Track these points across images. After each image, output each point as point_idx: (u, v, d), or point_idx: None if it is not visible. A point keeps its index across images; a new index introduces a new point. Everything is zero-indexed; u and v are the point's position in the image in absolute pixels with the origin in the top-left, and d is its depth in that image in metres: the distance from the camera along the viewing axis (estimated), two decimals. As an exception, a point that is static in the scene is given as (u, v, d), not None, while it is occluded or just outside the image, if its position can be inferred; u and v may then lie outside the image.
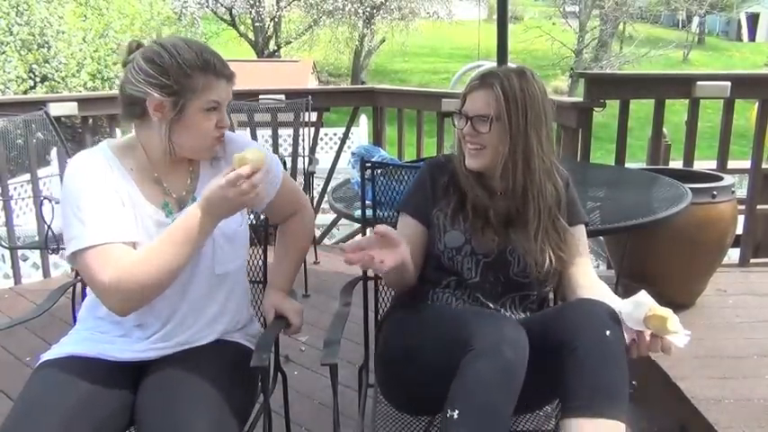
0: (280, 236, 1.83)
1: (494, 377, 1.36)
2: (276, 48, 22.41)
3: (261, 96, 4.33)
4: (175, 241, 1.42)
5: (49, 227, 2.96)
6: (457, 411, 1.35)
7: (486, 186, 1.68)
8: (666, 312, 1.41)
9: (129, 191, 1.51)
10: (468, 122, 1.63)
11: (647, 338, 1.44)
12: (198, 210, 1.42)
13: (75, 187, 1.46)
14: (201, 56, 1.47)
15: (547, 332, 1.46)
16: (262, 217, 1.93)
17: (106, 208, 1.45)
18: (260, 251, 1.97)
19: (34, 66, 11.64)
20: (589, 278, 1.70)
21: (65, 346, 1.56)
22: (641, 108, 4.00)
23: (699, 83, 3.46)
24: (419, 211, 1.73)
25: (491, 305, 1.65)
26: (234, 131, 4.76)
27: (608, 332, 1.41)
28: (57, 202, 2.80)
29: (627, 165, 3.70)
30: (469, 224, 1.66)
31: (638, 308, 1.42)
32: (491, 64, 4.37)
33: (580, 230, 1.74)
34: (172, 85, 1.45)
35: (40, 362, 1.54)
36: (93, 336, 1.56)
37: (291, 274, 1.81)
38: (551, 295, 1.84)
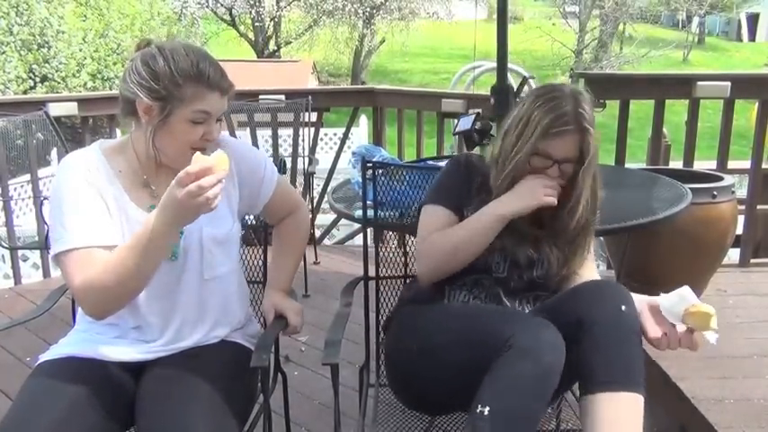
0: (276, 236, 1.83)
1: (531, 379, 1.36)
2: (276, 48, 22.42)
3: (261, 96, 4.32)
4: (137, 247, 1.38)
5: (48, 227, 2.95)
6: (488, 408, 1.34)
7: (537, 212, 1.64)
8: (711, 309, 1.43)
9: (114, 194, 1.50)
10: (555, 165, 1.60)
11: (680, 333, 1.46)
12: (156, 215, 1.36)
13: (59, 190, 1.46)
14: (197, 65, 1.45)
15: (562, 312, 1.47)
16: (261, 217, 1.93)
17: (87, 212, 1.44)
18: (260, 251, 1.97)
19: (34, 66, 11.65)
20: (596, 273, 1.74)
21: (63, 347, 1.56)
22: (641, 108, 4.00)
23: (699, 83, 3.45)
24: (454, 203, 1.71)
25: (508, 302, 1.66)
26: (234, 132, 4.76)
27: (623, 307, 1.43)
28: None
29: (627, 165, 3.70)
30: (517, 227, 1.65)
31: (681, 302, 1.44)
32: (491, 64, 4.37)
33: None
34: (160, 90, 1.43)
35: (38, 363, 1.54)
36: (92, 337, 1.56)
37: (290, 274, 1.81)
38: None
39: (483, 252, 1.63)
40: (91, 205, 1.45)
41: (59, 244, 1.43)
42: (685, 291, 1.46)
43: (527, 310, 1.67)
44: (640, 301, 1.51)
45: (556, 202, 1.58)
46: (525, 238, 1.66)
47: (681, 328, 1.46)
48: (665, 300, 1.46)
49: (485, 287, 1.66)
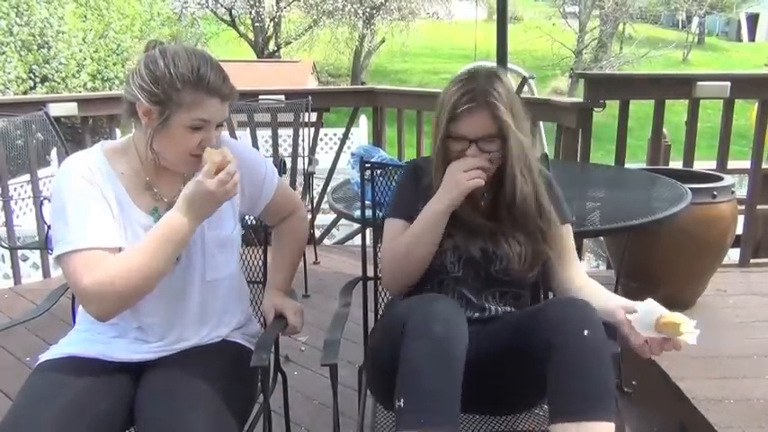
0: (275, 237, 1.83)
1: (426, 356, 1.35)
2: (276, 48, 22.42)
3: (261, 97, 4.33)
4: (154, 247, 1.40)
5: (48, 227, 2.95)
6: (402, 400, 1.35)
7: (473, 197, 1.65)
8: (678, 318, 1.42)
9: (117, 195, 1.49)
10: (472, 145, 1.58)
11: (659, 341, 1.44)
12: (177, 212, 1.39)
13: (62, 191, 1.45)
14: (198, 70, 1.43)
15: (525, 332, 1.46)
16: (261, 219, 1.93)
17: (92, 213, 1.44)
18: (260, 251, 1.97)
19: (34, 66, 11.65)
20: (584, 277, 1.70)
21: (63, 347, 1.56)
22: (641, 108, 4.00)
23: (699, 83, 3.46)
24: (407, 212, 1.71)
25: (474, 300, 1.66)
26: (234, 132, 4.76)
27: (586, 332, 1.38)
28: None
29: (627, 165, 3.70)
30: (451, 222, 1.65)
31: (647, 315, 1.44)
32: (491, 64, 4.37)
33: (566, 230, 1.73)
34: (159, 95, 1.42)
35: (38, 362, 1.54)
36: (93, 336, 1.56)
37: (290, 274, 1.81)
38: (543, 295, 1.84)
39: (436, 253, 1.64)
40: (95, 206, 1.45)
41: (63, 245, 1.42)
42: (649, 304, 1.45)
43: (495, 308, 1.67)
44: (618, 308, 1.50)
45: (482, 183, 1.57)
46: (476, 232, 1.66)
47: (660, 336, 1.45)
48: (632, 317, 1.46)
49: (449, 287, 1.67)
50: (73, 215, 1.43)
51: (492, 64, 3.69)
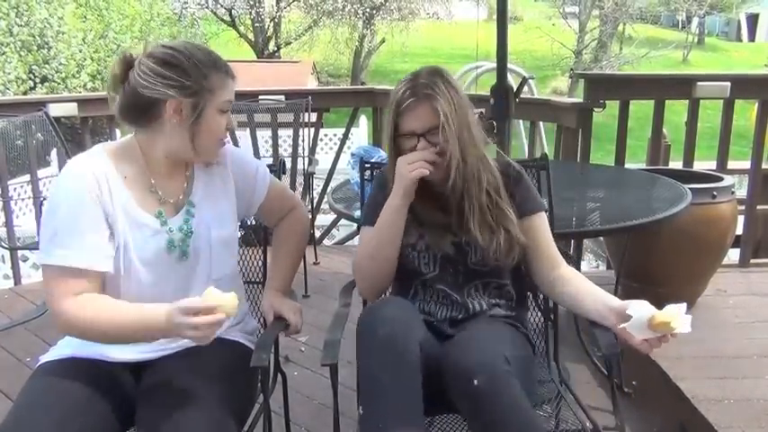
0: (275, 237, 1.83)
1: (375, 360, 1.39)
2: (276, 48, 22.41)
3: (261, 97, 4.33)
4: (126, 327, 1.42)
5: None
6: (361, 407, 1.39)
7: (428, 189, 1.68)
8: (669, 316, 1.43)
9: (122, 202, 1.48)
10: (420, 140, 1.62)
11: (657, 338, 1.47)
12: (162, 315, 1.35)
13: (59, 196, 1.45)
14: (210, 56, 1.49)
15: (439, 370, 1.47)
16: (260, 221, 1.93)
17: (82, 230, 1.42)
18: (259, 251, 1.97)
19: (34, 66, 11.65)
20: (565, 268, 1.72)
21: (63, 348, 1.56)
22: (641, 108, 4.00)
23: (699, 83, 3.46)
24: (376, 218, 1.74)
25: (456, 296, 1.68)
26: (234, 132, 4.75)
27: (475, 381, 1.38)
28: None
29: (627, 165, 3.70)
30: (420, 222, 1.69)
31: (640, 319, 1.45)
32: (491, 64, 4.37)
33: (540, 218, 1.74)
34: (192, 86, 1.44)
35: (39, 363, 1.55)
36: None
37: (289, 275, 1.81)
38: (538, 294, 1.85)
39: (410, 256, 1.69)
40: (88, 224, 1.43)
41: (49, 255, 1.42)
42: (637, 307, 1.47)
43: (479, 303, 1.69)
44: (610, 315, 1.52)
45: (426, 173, 1.60)
46: (444, 228, 1.68)
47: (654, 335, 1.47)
48: (626, 325, 1.47)
49: (431, 288, 1.70)
50: (64, 227, 1.42)
51: (492, 64, 3.69)
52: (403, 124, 1.63)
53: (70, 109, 4.05)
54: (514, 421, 1.38)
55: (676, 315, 1.44)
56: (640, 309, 1.46)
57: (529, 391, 1.58)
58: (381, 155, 2.57)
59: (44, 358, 1.56)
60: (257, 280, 1.96)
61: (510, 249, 1.65)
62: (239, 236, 1.74)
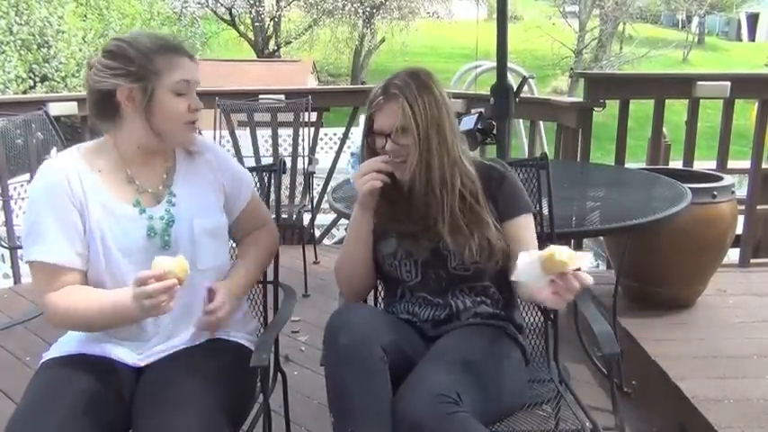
0: (242, 245, 1.77)
1: (338, 366, 1.41)
2: (276, 48, 22.42)
3: (261, 96, 4.33)
4: (102, 313, 1.45)
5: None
6: (332, 415, 1.42)
7: (399, 192, 1.67)
8: (551, 249, 1.37)
9: (98, 196, 1.50)
10: (388, 139, 1.61)
11: (560, 282, 1.38)
12: (130, 297, 1.37)
13: (32, 197, 1.50)
14: (157, 39, 1.49)
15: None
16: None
17: (60, 229, 1.47)
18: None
19: (34, 65, 11.65)
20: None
21: (66, 345, 1.57)
22: (641, 108, 4.00)
23: (699, 83, 3.45)
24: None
25: (440, 300, 1.68)
26: (234, 132, 4.75)
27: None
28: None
29: (627, 165, 3.70)
30: (397, 230, 1.68)
31: (530, 268, 1.39)
32: (491, 64, 4.37)
33: (526, 220, 1.71)
34: (137, 71, 1.46)
35: (43, 360, 1.55)
36: (95, 335, 1.56)
37: (245, 280, 1.69)
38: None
39: (392, 264, 1.68)
40: (60, 222, 1.47)
41: (27, 252, 1.48)
42: (522, 259, 1.40)
43: (467, 304, 1.67)
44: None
45: (379, 184, 1.60)
46: (421, 234, 1.66)
47: (558, 278, 1.39)
48: (518, 277, 1.41)
49: (413, 295, 1.70)
50: (36, 225, 1.48)
51: (492, 63, 3.69)
52: (375, 123, 1.64)
53: (70, 108, 4.05)
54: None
55: (561, 250, 1.37)
56: (525, 258, 1.40)
57: (514, 392, 1.60)
58: (381, 154, 2.57)
59: (47, 355, 1.56)
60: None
61: (491, 254, 1.63)
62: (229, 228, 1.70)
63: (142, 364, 1.54)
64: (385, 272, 1.72)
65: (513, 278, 1.45)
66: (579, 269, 1.37)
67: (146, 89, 1.47)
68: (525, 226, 1.71)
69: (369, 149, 1.67)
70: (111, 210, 1.51)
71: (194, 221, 1.56)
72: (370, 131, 1.66)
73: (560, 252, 1.36)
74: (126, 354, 1.54)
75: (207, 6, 20.42)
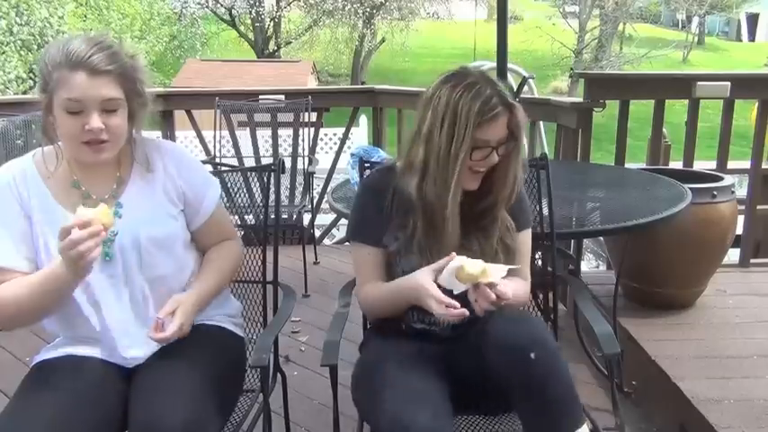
0: (206, 257, 1.69)
1: None
2: (276, 48, 22.42)
3: (261, 96, 4.33)
4: (33, 289, 1.41)
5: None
6: None
7: (441, 217, 1.58)
8: (461, 262, 1.44)
9: (40, 200, 1.48)
10: (493, 151, 1.54)
11: (475, 293, 1.45)
12: (57, 263, 1.36)
13: None
14: (65, 49, 1.37)
15: (481, 354, 1.46)
16: (260, 217, 1.93)
17: (5, 231, 1.46)
18: (258, 251, 1.96)
19: (34, 66, 11.63)
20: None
21: (59, 347, 1.56)
22: (640, 109, 4.00)
23: (699, 83, 3.45)
24: (374, 237, 1.66)
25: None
26: (234, 132, 4.74)
27: (533, 354, 1.39)
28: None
29: (627, 165, 3.70)
30: (426, 247, 1.59)
31: (447, 275, 1.46)
32: (491, 64, 4.37)
33: (527, 235, 1.73)
34: (42, 83, 1.41)
35: (35, 362, 1.55)
36: (80, 338, 1.56)
37: (209, 293, 1.62)
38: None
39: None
40: (7, 224, 1.46)
41: None
42: (451, 264, 1.46)
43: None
44: (425, 283, 1.49)
45: (456, 321, 1.49)
46: (442, 253, 1.56)
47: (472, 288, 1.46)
48: (440, 281, 1.47)
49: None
50: None
51: (492, 64, 3.69)
52: (482, 134, 1.52)
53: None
54: (567, 402, 1.41)
55: (481, 266, 1.43)
56: (453, 262, 1.46)
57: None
58: (381, 155, 2.57)
59: (39, 357, 1.56)
60: (256, 279, 1.95)
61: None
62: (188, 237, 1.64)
63: (132, 363, 1.53)
64: None
65: (437, 281, 1.48)
66: (493, 283, 1.43)
67: (49, 102, 1.41)
68: (525, 241, 1.73)
69: (462, 164, 1.52)
70: (51, 213, 1.48)
71: (141, 230, 1.51)
72: (473, 145, 1.52)
73: (470, 265, 1.43)
74: (116, 354, 1.53)
75: (207, 7, 20.41)
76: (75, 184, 1.52)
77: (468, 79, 1.53)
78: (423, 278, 1.51)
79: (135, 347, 1.53)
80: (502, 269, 1.46)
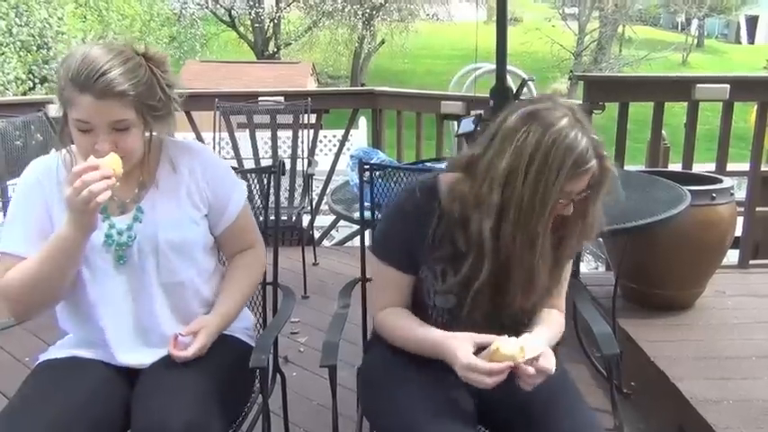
0: (230, 268, 1.70)
1: None
2: (276, 49, 22.43)
3: (260, 98, 4.33)
4: (44, 255, 1.39)
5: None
6: None
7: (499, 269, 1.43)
8: (496, 344, 1.33)
9: (63, 196, 1.45)
10: (578, 198, 1.41)
11: (521, 371, 1.32)
12: (65, 223, 1.36)
13: (15, 195, 1.52)
14: (78, 64, 1.36)
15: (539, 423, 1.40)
16: (272, 218, 1.92)
17: (27, 221, 1.47)
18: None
19: (34, 67, 11.66)
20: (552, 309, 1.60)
21: (63, 348, 1.57)
22: (639, 111, 4.00)
23: (698, 85, 3.46)
24: (404, 263, 1.51)
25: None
26: (233, 133, 4.72)
27: None
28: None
29: (626, 167, 3.70)
30: (467, 289, 1.44)
31: (484, 357, 1.35)
32: (490, 66, 4.37)
33: (570, 263, 1.64)
34: (59, 93, 1.41)
35: (38, 362, 1.55)
36: (83, 342, 1.56)
37: (233, 313, 1.63)
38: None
39: (437, 317, 1.52)
40: (31, 215, 1.48)
41: (1, 242, 1.48)
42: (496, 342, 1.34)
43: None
44: (462, 358, 1.34)
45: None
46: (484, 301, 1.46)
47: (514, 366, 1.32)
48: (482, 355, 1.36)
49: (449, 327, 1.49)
50: (17, 219, 1.49)
51: (491, 66, 3.69)
52: (570, 186, 1.36)
53: (70, 109, 4.04)
54: None
55: (517, 344, 1.32)
56: (486, 350, 1.35)
57: None
58: (380, 156, 2.57)
59: (43, 357, 1.56)
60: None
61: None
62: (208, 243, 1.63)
63: (139, 364, 1.53)
64: (431, 316, 1.53)
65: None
66: (534, 359, 1.32)
67: (64, 114, 1.42)
68: (568, 268, 1.63)
69: (547, 219, 1.37)
70: None
71: (160, 235, 1.51)
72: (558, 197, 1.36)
73: (505, 346, 1.32)
74: (121, 357, 1.53)
75: (206, 8, 20.41)
76: None
77: (561, 122, 1.33)
78: (462, 352, 1.34)
79: (140, 354, 1.53)
80: (540, 341, 1.37)
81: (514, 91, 3.14)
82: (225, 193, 1.62)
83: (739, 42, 34.01)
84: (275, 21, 21.51)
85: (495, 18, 3.16)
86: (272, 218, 1.94)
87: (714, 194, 2.85)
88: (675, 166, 3.79)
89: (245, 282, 1.68)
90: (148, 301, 1.53)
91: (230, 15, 21.37)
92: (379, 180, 1.98)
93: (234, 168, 1.74)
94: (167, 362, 1.50)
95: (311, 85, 16.63)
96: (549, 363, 1.34)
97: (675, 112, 4.53)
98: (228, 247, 1.70)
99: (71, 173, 1.31)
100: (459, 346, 1.36)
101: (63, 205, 1.43)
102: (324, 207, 4.37)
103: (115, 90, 1.35)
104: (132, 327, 1.53)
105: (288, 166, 4.21)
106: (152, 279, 1.53)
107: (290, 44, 22.86)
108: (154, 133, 1.50)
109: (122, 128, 1.39)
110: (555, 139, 1.31)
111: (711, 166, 3.65)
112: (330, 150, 11.08)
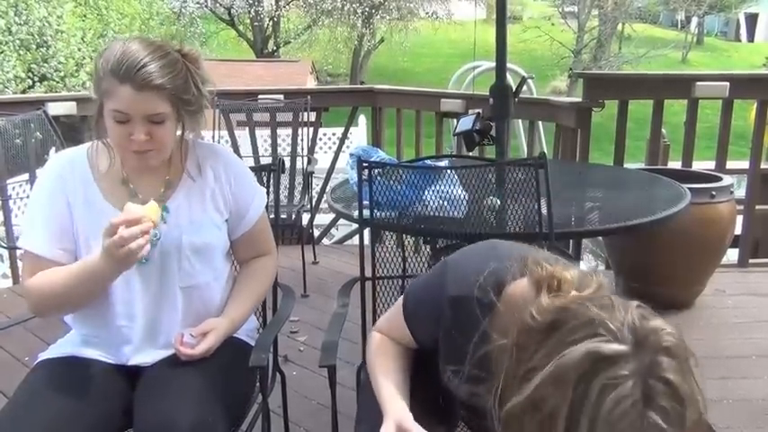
0: (243, 273, 1.71)
1: None
2: (275, 47, 22.42)
3: (260, 96, 4.32)
4: (74, 282, 1.42)
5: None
6: None
7: None
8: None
9: (88, 195, 1.49)
10: None
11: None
12: (98, 256, 1.36)
13: (37, 184, 1.51)
14: (118, 55, 1.37)
15: None
16: (271, 216, 1.92)
17: (49, 221, 1.47)
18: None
19: (33, 65, 11.63)
20: None
21: (63, 347, 1.56)
22: (639, 109, 4.00)
23: (698, 83, 3.46)
24: (428, 341, 1.30)
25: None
26: (233, 131, 4.72)
27: None
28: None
29: (626, 165, 3.70)
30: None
31: None
32: (490, 64, 4.37)
33: None
34: (96, 85, 1.43)
35: (38, 361, 1.55)
36: (91, 339, 1.56)
37: (243, 318, 1.64)
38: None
39: None
40: (53, 212, 1.47)
41: (22, 239, 1.49)
42: None
43: None
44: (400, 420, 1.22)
45: None
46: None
47: None
48: None
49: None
50: (35, 215, 1.48)
51: (491, 64, 3.69)
52: None
53: (69, 108, 4.05)
54: None
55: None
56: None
57: None
58: (380, 154, 2.57)
59: (43, 355, 1.56)
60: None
61: None
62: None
63: (140, 363, 1.53)
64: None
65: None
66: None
67: (101, 105, 1.43)
68: None
69: None
70: (98, 209, 1.48)
71: (183, 237, 1.52)
72: None
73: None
74: (121, 357, 1.53)
75: (206, 6, 20.41)
76: (124, 182, 1.53)
77: (627, 390, 0.86)
78: (401, 413, 1.24)
79: (145, 354, 1.54)
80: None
81: (514, 89, 3.14)
82: (246, 199, 1.63)
83: (739, 40, 33.99)
84: (275, 19, 21.51)
85: (494, 16, 3.15)
86: (272, 216, 1.94)
87: (714, 192, 2.86)
88: (675, 164, 3.79)
89: (257, 289, 1.69)
90: (164, 302, 1.54)
91: (230, 14, 21.37)
92: (379, 178, 1.98)
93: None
94: (170, 362, 1.50)
95: (311, 84, 16.63)
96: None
97: (675, 109, 4.52)
98: (242, 252, 1.71)
99: (109, 223, 1.31)
100: (397, 411, 1.25)
101: (86, 204, 1.47)
102: (323, 205, 4.37)
103: (154, 83, 1.37)
104: (143, 326, 1.53)
105: (287, 165, 4.20)
106: (170, 280, 1.53)
107: (290, 42, 22.86)
108: (186, 132, 1.52)
109: (158, 120, 1.41)
110: (611, 409, 0.87)
111: (711, 164, 3.65)
112: (330, 148, 11.09)
